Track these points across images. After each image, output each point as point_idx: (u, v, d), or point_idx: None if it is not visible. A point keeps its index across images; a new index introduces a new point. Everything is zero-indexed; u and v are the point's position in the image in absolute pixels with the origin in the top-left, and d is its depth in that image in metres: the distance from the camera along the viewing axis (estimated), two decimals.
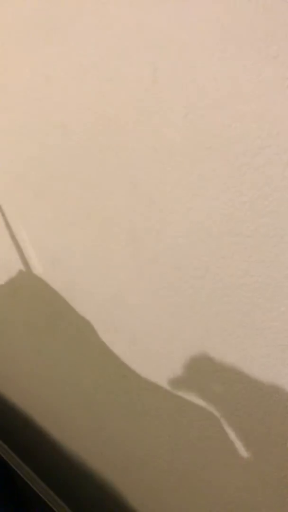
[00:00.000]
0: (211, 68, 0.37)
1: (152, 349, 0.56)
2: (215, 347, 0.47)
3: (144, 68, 0.43)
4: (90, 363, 0.70)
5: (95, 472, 0.81)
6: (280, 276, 0.39)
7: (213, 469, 0.54)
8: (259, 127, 0.36)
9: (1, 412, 1.08)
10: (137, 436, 0.66)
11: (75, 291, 0.66)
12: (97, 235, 0.57)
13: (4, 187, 0.70)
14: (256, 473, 0.49)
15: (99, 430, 0.75)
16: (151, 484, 0.68)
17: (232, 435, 0.49)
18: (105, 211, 0.54)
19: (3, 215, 0.74)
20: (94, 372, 0.70)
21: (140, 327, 0.56)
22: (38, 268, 0.71)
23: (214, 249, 0.44)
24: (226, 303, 0.45)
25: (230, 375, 0.47)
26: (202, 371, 0.50)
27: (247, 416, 0.47)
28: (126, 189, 0.50)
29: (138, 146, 0.47)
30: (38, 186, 0.63)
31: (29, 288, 0.77)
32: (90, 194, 0.55)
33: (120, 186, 0.51)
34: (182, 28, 0.38)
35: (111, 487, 0.79)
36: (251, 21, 0.34)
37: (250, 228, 0.40)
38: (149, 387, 0.58)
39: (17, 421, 1.02)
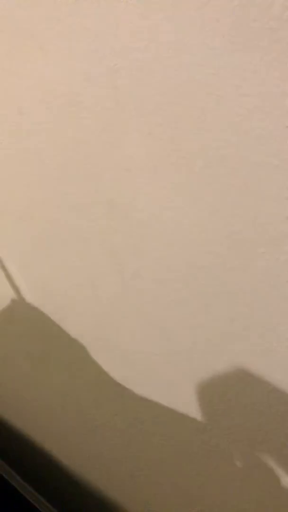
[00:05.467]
0: (169, 85, 0.38)
1: (143, 365, 0.55)
2: (202, 358, 0.47)
3: (107, 91, 0.44)
4: (88, 384, 0.69)
5: (96, 490, 0.80)
6: (255, 282, 0.39)
7: (212, 483, 0.54)
8: (218, 138, 0.37)
9: (3, 436, 1.07)
10: (136, 454, 0.65)
11: (65, 314, 0.66)
12: (80, 256, 0.57)
13: None
14: (250, 481, 0.48)
15: (99, 448, 0.73)
16: (149, 496, 0.67)
17: (227, 446, 0.49)
18: (86, 231, 0.55)
19: None
20: (92, 393, 0.69)
21: (130, 344, 0.56)
22: (28, 295, 0.72)
23: (191, 259, 0.44)
24: (209, 313, 0.45)
25: (218, 384, 0.47)
26: (193, 383, 0.50)
27: (239, 425, 0.46)
28: (104, 209, 0.51)
29: (109, 166, 0.48)
30: (19, 213, 0.64)
31: (22, 315, 0.77)
32: (70, 217, 0.56)
33: (97, 207, 0.52)
34: (138, 51, 0.39)
35: (110, 501, 0.77)
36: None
37: (222, 237, 0.40)
38: (145, 404, 0.58)
39: (19, 444, 1.00)
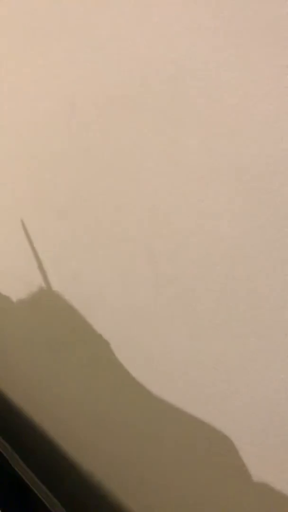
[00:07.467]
0: (231, 97, 0.39)
1: (167, 370, 0.56)
2: (232, 370, 0.47)
3: (164, 98, 0.44)
4: (107, 381, 0.70)
5: (110, 493, 0.81)
6: None
7: (220, 487, 0.54)
8: (275, 148, 0.37)
9: (18, 426, 1.09)
10: (153, 458, 0.65)
11: (93, 309, 0.67)
12: (116, 256, 0.58)
13: (28, 205, 0.73)
14: (266, 492, 0.48)
15: (115, 448, 0.74)
16: (158, 501, 0.68)
17: (237, 451, 0.49)
18: (124, 232, 0.55)
19: (26, 231, 0.76)
20: (110, 390, 0.70)
21: (156, 347, 0.57)
22: (57, 285, 0.73)
23: (229, 270, 0.44)
24: (243, 327, 0.45)
25: (243, 398, 0.47)
26: (216, 393, 0.50)
27: (248, 429, 0.46)
28: (144, 210, 0.51)
29: (157, 171, 0.48)
30: (60, 206, 0.65)
31: (48, 304, 0.79)
32: (110, 215, 0.56)
33: (138, 207, 0.52)
34: (199, 61, 0.40)
35: (121, 504, 0.78)
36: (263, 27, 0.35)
37: (266, 253, 0.40)
38: (165, 408, 0.59)
39: (32, 435, 1.02)
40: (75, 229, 0.63)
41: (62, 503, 0.98)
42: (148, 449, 0.66)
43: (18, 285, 0.85)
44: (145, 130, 0.48)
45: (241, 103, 0.38)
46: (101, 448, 0.79)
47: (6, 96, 0.68)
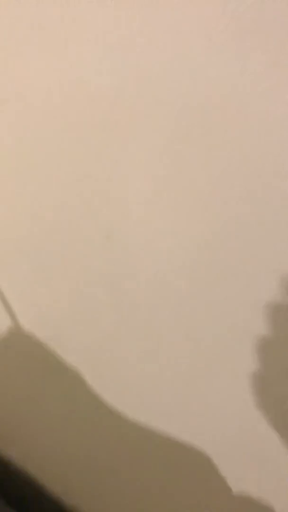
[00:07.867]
0: None
1: (141, 396, 0.56)
2: (198, 393, 0.48)
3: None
4: (85, 413, 0.69)
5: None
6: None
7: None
8: None
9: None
10: (133, 483, 0.64)
11: (62, 342, 0.66)
12: (78, 285, 0.58)
13: None
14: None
15: (98, 481, 0.72)
16: None
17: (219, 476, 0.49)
18: (83, 261, 0.56)
19: None
20: (90, 422, 0.69)
21: (126, 374, 0.56)
22: (24, 322, 0.72)
23: (184, 296, 0.45)
24: (197, 349, 0.46)
25: (216, 414, 0.47)
26: (189, 415, 0.50)
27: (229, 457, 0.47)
28: (100, 238, 0.52)
29: (110, 196, 0.49)
30: (18, 241, 0.65)
31: (18, 342, 0.77)
32: (67, 245, 0.57)
33: (94, 235, 0.53)
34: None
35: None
36: None
37: (217, 268, 0.42)
38: (143, 434, 0.58)
39: (14, 476, 0.98)
40: (35, 263, 0.63)
41: None
42: (131, 475, 0.64)
43: None
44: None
45: None
46: (85, 480, 0.76)
47: None
